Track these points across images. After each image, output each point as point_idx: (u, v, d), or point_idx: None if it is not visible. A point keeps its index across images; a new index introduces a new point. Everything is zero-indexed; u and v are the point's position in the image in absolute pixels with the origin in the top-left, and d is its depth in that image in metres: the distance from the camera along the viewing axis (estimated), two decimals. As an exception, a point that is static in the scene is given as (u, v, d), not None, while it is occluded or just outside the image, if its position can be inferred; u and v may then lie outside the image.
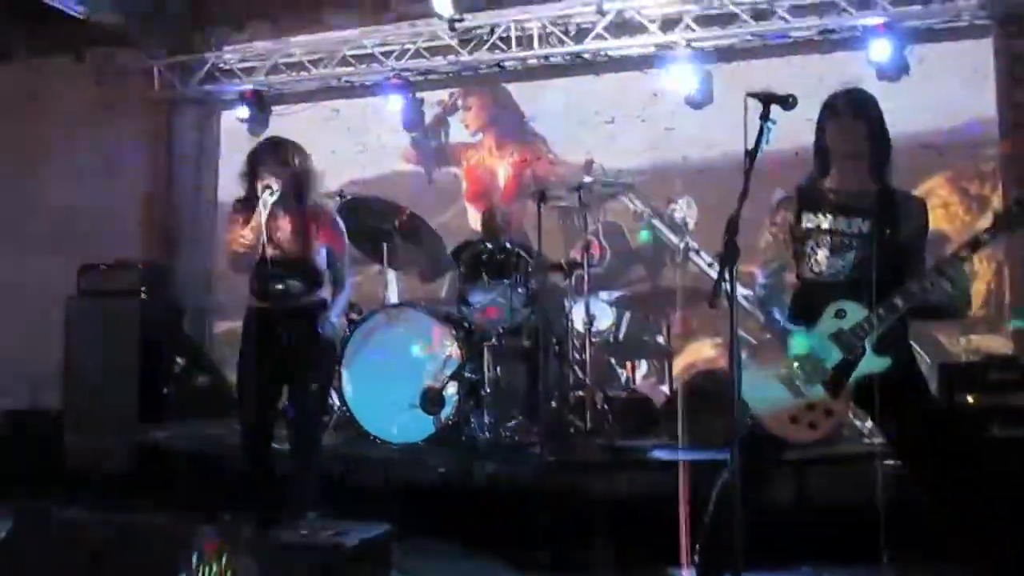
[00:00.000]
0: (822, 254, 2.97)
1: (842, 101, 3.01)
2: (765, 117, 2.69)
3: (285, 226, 3.80)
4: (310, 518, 3.64)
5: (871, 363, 2.84)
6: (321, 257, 3.83)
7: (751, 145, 2.66)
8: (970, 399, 4.46)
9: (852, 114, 2.97)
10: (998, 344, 5.63)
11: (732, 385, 2.56)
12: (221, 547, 2.59)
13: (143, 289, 6.49)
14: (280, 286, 3.75)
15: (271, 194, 3.70)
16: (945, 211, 5.85)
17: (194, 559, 2.58)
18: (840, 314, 2.88)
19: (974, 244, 2.78)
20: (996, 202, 5.74)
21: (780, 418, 2.88)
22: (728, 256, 2.54)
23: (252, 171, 3.81)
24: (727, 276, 2.53)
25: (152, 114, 7.68)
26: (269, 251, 3.73)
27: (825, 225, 2.98)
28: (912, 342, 3.10)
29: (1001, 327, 5.69)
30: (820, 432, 2.89)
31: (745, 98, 2.67)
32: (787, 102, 2.74)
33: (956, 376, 4.60)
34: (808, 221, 3.01)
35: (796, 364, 2.88)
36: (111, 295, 6.47)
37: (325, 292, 3.87)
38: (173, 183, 7.68)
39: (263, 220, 3.68)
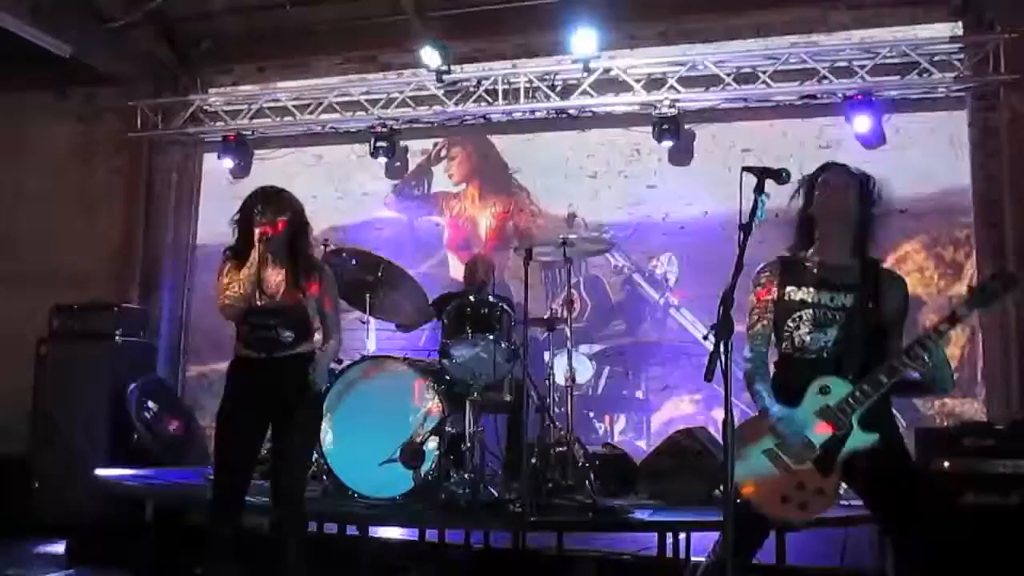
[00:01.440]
0: (804, 329, 2.96)
1: (833, 174, 3.04)
2: (760, 190, 2.71)
3: (278, 276, 3.76)
4: None
5: (858, 439, 2.82)
6: (312, 308, 3.80)
7: (746, 219, 2.68)
8: (946, 464, 4.51)
9: (843, 187, 3.00)
10: (972, 409, 5.71)
11: (725, 456, 2.55)
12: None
13: (117, 332, 6.39)
14: (271, 335, 3.71)
15: (265, 243, 3.68)
16: (920, 276, 5.96)
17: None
18: (824, 390, 2.86)
19: (952, 319, 2.79)
20: (969, 268, 5.87)
21: (770, 497, 2.84)
22: (723, 329, 2.54)
23: (246, 219, 3.78)
24: (722, 350, 2.53)
25: (133, 154, 7.63)
26: (261, 300, 3.71)
27: (808, 299, 2.97)
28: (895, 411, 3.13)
29: (974, 392, 5.77)
30: (810, 511, 2.85)
31: (741, 172, 2.70)
32: (781, 176, 2.78)
33: (932, 442, 4.65)
34: (791, 294, 3.01)
35: (782, 442, 2.85)
36: (84, 337, 6.37)
37: (314, 343, 3.83)
38: (151, 224, 7.61)
39: (255, 269, 3.66)
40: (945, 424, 5.55)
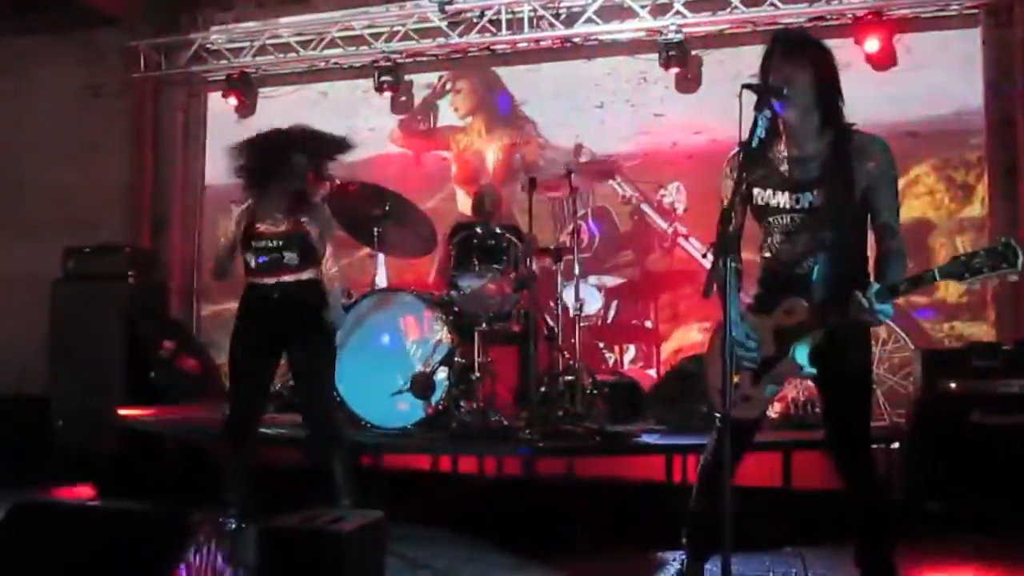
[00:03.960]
0: (776, 238, 2.87)
1: (781, 52, 2.78)
2: (760, 108, 2.67)
3: (278, 206, 3.84)
4: (344, 505, 3.69)
5: (789, 367, 2.80)
6: (313, 238, 3.86)
7: (745, 136, 2.65)
8: (952, 385, 4.54)
9: (794, 66, 2.75)
10: (982, 332, 5.70)
11: (724, 372, 2.56)
12: (217, 534, 2.59)
13: (130, 272, 6.45)
14: (274, 256, 3.78)
15: (264, 179, 3.75)
16: (931, 198, 5.91)
17: (190, 547, 2.58)
18: (789, 311, 2.81)
19: (916, 281, 2.64)
20: (981, 191, 5.80)
21: (715, 388, 2.83)
22: (723, 246, 2.53)
23: (251, 161, 3.86)
24: (720, 265, 2.53)
25: (137, 96, 7.60)
26: (262, 227, 3.82)
27: (776, 203, 2.85)
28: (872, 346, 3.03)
29: (984, 315, 5.76)
30: (737, 412, 2.77)
31: (740, 89, 2.66)
32: (782, 94, 2.75)
33: (939, 363, 4.68)
34: (759, 197, 2.88)
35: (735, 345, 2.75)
36: (97, 278, 6.43)
37: (319, 273, 3.90)
38: (159, 165, 7.62)
39: (256, 201, 3.81)
40: (953, 346, 5.55)
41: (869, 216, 2.82)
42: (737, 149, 2.74)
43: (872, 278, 2.76)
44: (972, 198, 5.84)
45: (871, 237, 2.86)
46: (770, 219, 2.88)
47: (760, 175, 2.87)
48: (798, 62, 2.78)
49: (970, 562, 3.79)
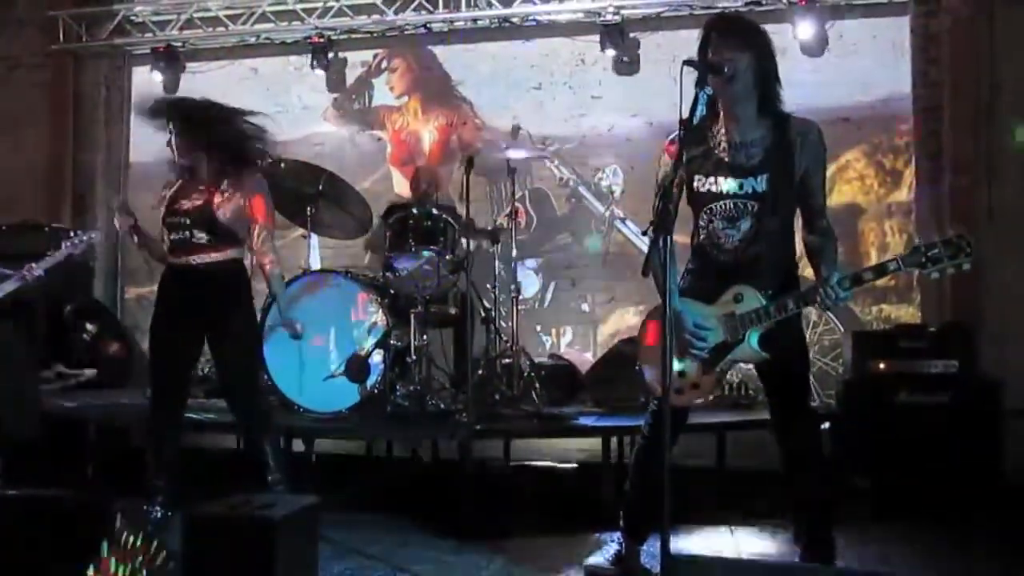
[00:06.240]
0: (717, 224, 2.85)
1: (717, 36, 2.77)
2: (701, 85, 2.65)
3: (197, 184, 3.72)
4: (276, 490, 3.60)
5: (745, 352, 2.83)
6: (236, 217, 3.72)
7: (686, 113, 2.63)
8: (881, 366, 4.64)
9: (732, 50, 2.74)
10: (907, 314, 5.85)
11: (663, 353, 2.54)
12: (142, 522, 2.49)
13: (49, 252, 6.16)
14: (184, 234, 3.66)
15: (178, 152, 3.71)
16: (861, 183, 6.02)
17: (113, 535, 2.47)
18: (737, 298, 2.83)
19: (880, 271, 2.72)
20: (908, 176, 5.93)
21: (656, 376, 2.84)
22: (662, 223, 2.51)
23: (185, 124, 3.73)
24: (660, 244, 2.51)
25: (56, 69, 7.26)
26: (183, 203, 3.71)
27: (717, 189, 2.83)
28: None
29: (910, 297, 5.91)
30: (683, 399, 2.87)
31: (681, 66, 2.63)
32: (723, 71, 2.74)
33: (869, 344, 4.78)
34: (699, 184, 2.86)
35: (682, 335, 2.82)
36: (16, 258, 6.13)
37: (239, 253, 3.77)
38: (80, 142, 7.31)
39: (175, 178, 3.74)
40: (881, 328, 5.69)
41: (802, 198, 2.86)
42: (676, 133, 2.71)
43: (804, 259, 2.84)
44: (900, 183, 5.97)
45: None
46: (711, 206, 2.86)
47: (699, 162, 2.86)
48: (736, 44, 2.77)
49: (898, 536, 3.88)
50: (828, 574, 2.74)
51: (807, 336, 5.58)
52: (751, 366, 3.10)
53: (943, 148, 5.75)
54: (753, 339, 2.82)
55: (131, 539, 2.54)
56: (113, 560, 2.47)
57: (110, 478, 4.71)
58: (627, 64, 6.37)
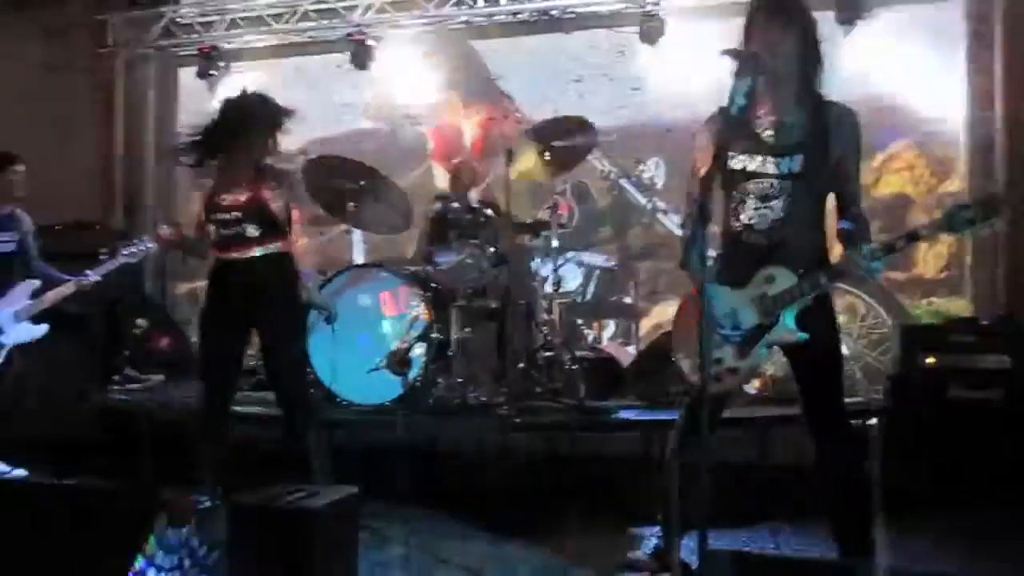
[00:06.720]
0: (750, 204, 2.80)
1: (764, 16, 2.75)
2: (740, 75, 2.61)
3: (241, 179, 3.76)
4: (318, 481, 3.63)
5: (783, 331, 2.78)
6: (279, 210, 3.78)
7: (726, 103, 2.60)
8: (930, 360, 4.54)
9: (777, 32, 2.71)
10: (959, 307, 5.71)
11: (699, 346, 2.52)
12: (188, 512, 2.55)
13: (100, 250, 6.32)
14: (236, 229, 3.70)
15: (223, 147, 3.74)
16: (910, 173, 5.89)
17: (160, 525, 2.53)
18: (769, 279, 2.79)
19: (912, 236, 2.68)
20: (960, 167, 5.79)
21: (694, 365, 2.81)
22: (700, 216, 2.48)
23: (212, 135, 3.78)
24: (699, 238, 2.48)
25: (105, 71, 7.43)
26: (225, 198, 3.73)
27: (753, 168, 2.79)
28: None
29: (962, 290, 5.77)
30: (721, 386, 2.82)
31: (721, 56, 2.61)
32: (762, 60, 2.69)
33: (918, 338, 4.67)
34: (734, 163, 2.81)
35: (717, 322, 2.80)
36: (68, 257, 6.30)
37: (287, 245, 3.82)
38: (130, 143, 7.48)
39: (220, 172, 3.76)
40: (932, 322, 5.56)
41: (836, 184, 2.82)
42: (713, 113, 2.68)
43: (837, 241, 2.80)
44: (951, 173, 5.83)
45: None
46: (747, 184, 2.81)
47: (735, 141, 2.81)
48: (783, 26, 2.74)
49: (945, 533, 3.80)
50: (867, 571, 2.68)
51: (855, 329, 5.52)
52: (786, 359, 3.04)
53: (995, 137, 5.60)
54: (789, 319, 2.77)
55: (179, 529, 2.60)
56: (161, 549, 2.54)
57: (161, 469, 4.80)
58: (667, 55, 6.30)
